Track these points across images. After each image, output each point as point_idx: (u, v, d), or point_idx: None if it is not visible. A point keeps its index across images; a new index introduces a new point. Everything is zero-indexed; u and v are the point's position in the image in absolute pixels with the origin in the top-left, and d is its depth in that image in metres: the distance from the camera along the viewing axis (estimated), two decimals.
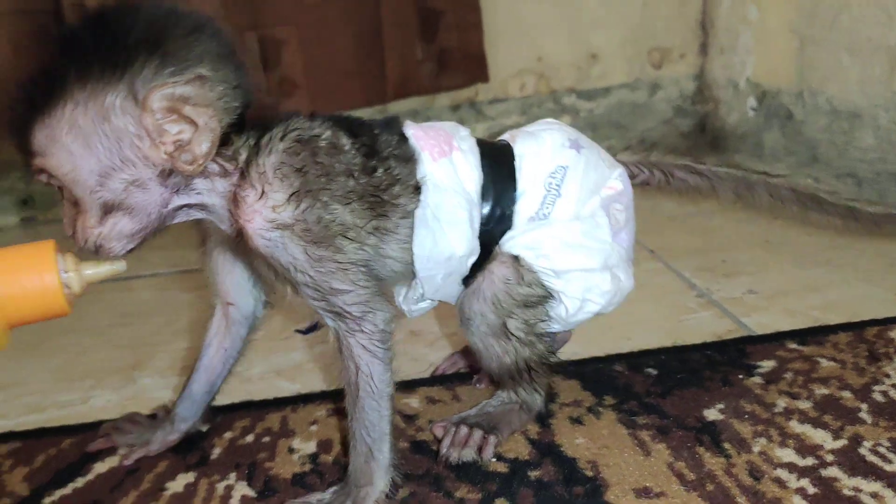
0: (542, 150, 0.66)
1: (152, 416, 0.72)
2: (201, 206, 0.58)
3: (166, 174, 0.55)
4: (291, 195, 0.56)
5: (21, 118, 0.53)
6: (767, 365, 0.75)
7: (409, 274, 0.63)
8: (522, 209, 0.64)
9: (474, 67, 1.63)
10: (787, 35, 1.39)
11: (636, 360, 0.79)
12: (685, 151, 1.72)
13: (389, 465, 0.59)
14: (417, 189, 0.61)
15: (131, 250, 0.57)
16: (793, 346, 0.78)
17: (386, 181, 0.60)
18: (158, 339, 0.95)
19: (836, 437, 0.62)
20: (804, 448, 0.61)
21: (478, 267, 0.65)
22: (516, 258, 0.63)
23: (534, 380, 0.67)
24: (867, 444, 0.61)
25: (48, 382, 0.86)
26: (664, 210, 1.31)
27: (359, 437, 0.59)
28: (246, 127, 0.58)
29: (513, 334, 0.64)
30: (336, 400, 0.75)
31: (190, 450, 0.69)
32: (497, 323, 0.64)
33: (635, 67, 1.72)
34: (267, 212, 0.56)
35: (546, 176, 0.64)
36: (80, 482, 0.65)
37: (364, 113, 1.67)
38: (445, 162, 0.63)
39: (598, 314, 0.67)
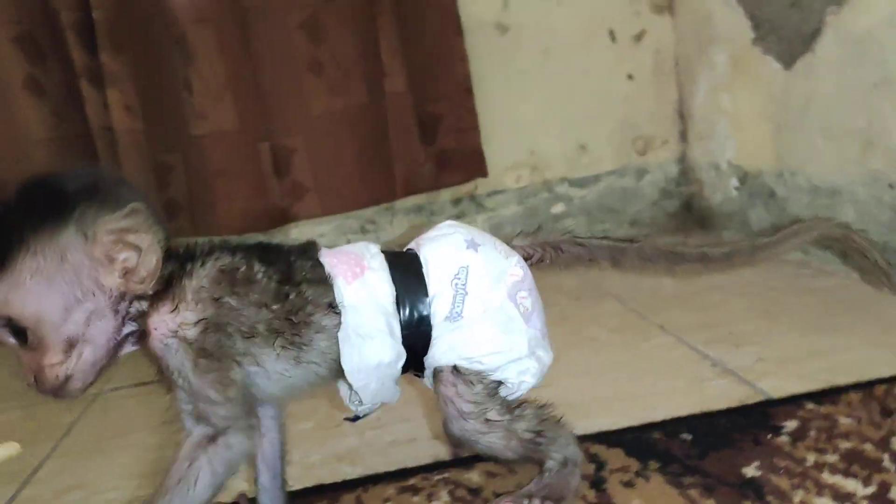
0: (443, 253, 0.71)
1: None
2: (141, 333, 0.65)
3: (117, 302, 0.63)
4: (200, 320, 0.64)
5: None
6: (791, 425, 0.82)
7: (337, 375, 0.70)
8: (437, 311, 0.70)
9: (473, 165, 1.74)
10: (762, 121, 1.52)
11: (670, 427, 0.86)
12: (673, 231, 1.85)
13: None
14: (331, 306, 0.68)
15: (90, 384, 0.65)
16: (810, 406, 0.86)
17: (298, 304, 0.67)
18: None
19: (866, 484, 0.69)
20: (839, 496, 0.68)
21: (417, 365, 0.72)
22: (455, 368, 0.69)
23: (552, 437, 0.71)
24: (894, 489, 0.68)
25: (121, 479, 0.92)
26: (667, 290, 1.40)
27: None
28: (171, 256, 0.66)
29: (497, 422, 0.69)
30: (402, 479, 0.81)
31: None
32: (482, 427, 0.69)
33: (622, 155, 1.84)
34: (173, 324, 0.63)
35: (452, 277, 0.70)
36: None
37: (371, 211, 1.77)
38: (358, 283, 0.69)
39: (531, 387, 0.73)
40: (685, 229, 1.84)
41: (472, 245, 0.72)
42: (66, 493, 0.91)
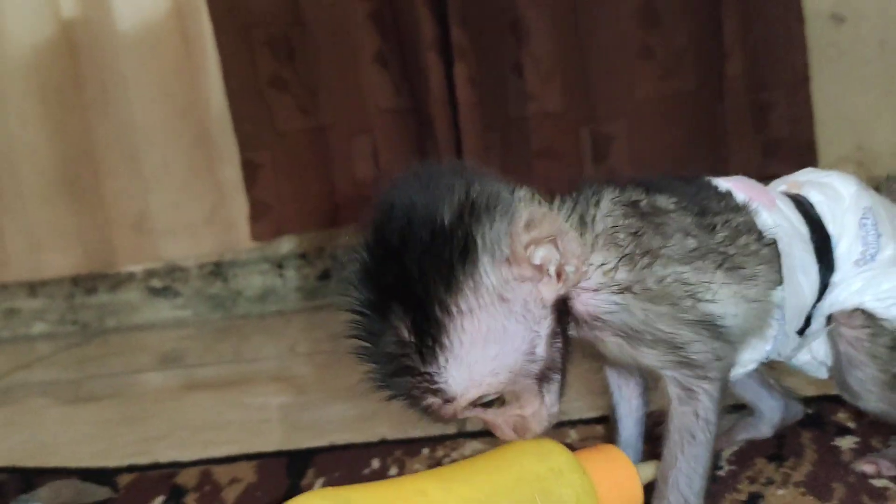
0: (840, 195, 0.65)
1: None
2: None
3: (557, 308, 0.53)
4: (623, 257, 0.54)
5: (425, 381, 0.51)
6: None
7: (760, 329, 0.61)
8: (844, 254, 0.63)
9: (803, 156, 1.69)
10: None
11: None
12: None
13: None
14: (761, 238, 0.60)
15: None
16: None
17: (731, 234, 0.59)
18: None
19: None
20: None
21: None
22: (861, 311, 0.63)
23: None
24: None
25: None
26: None
27: (674, 489, 0.55)
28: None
29: None
30: None
31: None
32: (886, 379, 0.62)
33: None
34: (597, 276, 0.54)
35: (858, 218, 0.64)
36: None
37: None
38: (777, 212, 0.62)
39: None
40: None
41: (864, 188, 0.66)
42: None
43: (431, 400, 0.51)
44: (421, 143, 1.74)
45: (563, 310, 0.54)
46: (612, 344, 0.56)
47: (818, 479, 0.64)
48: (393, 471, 0.77)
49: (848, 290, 0.64)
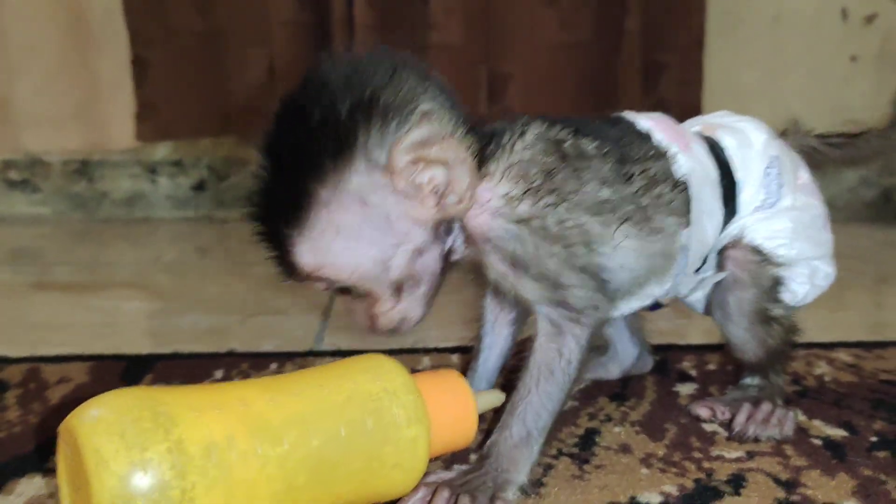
0: (750, 141, 0.67)
1: None
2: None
3: (438, 229, 0.54)
4: (528, 191, 0.54)
5: (280, 252, 0.53)
6: None
7: (661, 275, 0.62)
8: (747, 200, 0.65)
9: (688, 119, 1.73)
10: None
11: None
12: (868, 218, 1.82)
13: (537, 460, 0.55)
14: (676, 185, 0.61)
15: (426, 314, 0.57)
16: None
17: (645, 185, 0.59)
18: None
19: None
20: None
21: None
22: (751, 245, 0.64)
23: (784, 362, 0.69)
24: None
25: None
26: None
27: (520, 419, 0.55)
28: (478, 136, 0.55)
29: (774, 317, 0.65)
30: None
31: None
32: (760, 309, 0.64)
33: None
34: (498, 202, 0.54)
35: (764, 167, 0.65)
36: None
37: None
38: (690, 156, 0.63)
39: (805, 304, 0.68)
40: (880, 219, 1.82)
41: (773, 136, 0.69)
42: None
43: (291, 271, 0.54)
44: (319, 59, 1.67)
45: (449, 228, 0.55)
46: (496, 269, 0.56)
47: (654, 420, 0.66)
48: None
49: (747, 230, 0.65)
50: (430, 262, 0.55)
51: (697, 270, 0.66)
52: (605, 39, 1.68)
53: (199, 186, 1.79)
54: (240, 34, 1.64)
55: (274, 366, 0.77)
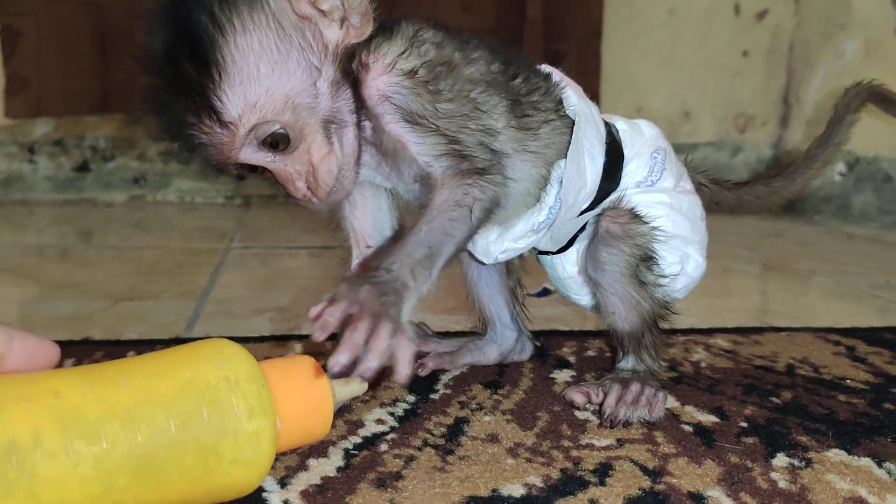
0: (641, 130, 0.69)
1: None
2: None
3: (345, 62, 0.54)
4: (424, 63, 0.55)
5: (199, 97, 0.51)
6: None
7: (532, 198, 0.63)
8: (630, 172, 0.67)
9: None
10: None
11: None
12: (759, 211, 1.87)
13: (435, 281, 0.51)
14: (559, 105, 0.62)
15: (354, 183, 0.56)
16: None
17: (525, 88, 0.61)
18: None
19: None
20: None
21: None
22: (630, 209, 0.65)
23: (656, 344, 0.67)
24: None
25: None
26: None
27: (423, 240, 0.51)
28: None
29: (645, 281, 0.65)
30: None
31: None
32: (631, 265, 0.64)
33: (722, 129, 1.87)
34: (391, 59, 0.55)
35: (651, 151, 0.68)
36: None
37: None
38: (584, 100, 0.66)
39: (675, 296, 0.69)
40: (765, 209, 1.87)
41: (662, 137, 0.71)
42: None
43: (211, 130, 0.51)
44: None
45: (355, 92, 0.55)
46: (394, 133, 0.55)
47: (526, 408, 0.64)
48: None
49: (627, 198, 0.65)
50: (347, 103, 0.55)
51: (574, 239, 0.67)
52: (506, 26, 1.68)
53: (82, 167, 1.70)
54: (124, 4, 1.55)
55: (131, 353, 0.72)
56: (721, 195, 0.77)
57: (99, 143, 1.70)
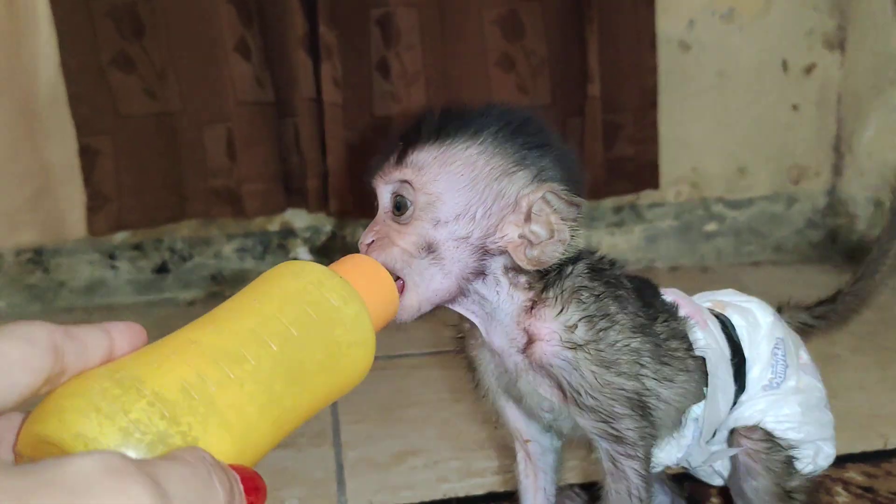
0: (758, 322, 0.71)
1: None
2: (482, 300, 0.59)
3: (491, 253, 0.57)
4: (584, 317, 0.58)
5: (418, 138, 0.58)
6: None
7: (670, 430, 0.66)
8: (755, 377, 0.69)
9: (647, 176, 1.78)
10: None
11: None
12: (816, 259, 1.90)
13: None
14: (690, 349, 0.65)
15: (419, 312, 0.58)
16: None
17: (665, 333, 0.63)
18: None
19: None
20: None
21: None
22: (762, 430, 0.69)
23: None
24: None
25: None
26: None
27: None
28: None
29: (792, 491, 0.69)
30: None
31: None
32: (778, 492, 0.68)
33: (776, 182, 1.90)
34: (561, 330, 0.58)
35: (771, 348, 0.70)
36: None
37: None
38: (708, 331, 0.68)
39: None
40: (827, 260, 1.91)
41: (778, 318, 0.73)
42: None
43: (389, 158, 0.59)
44: (279, 137, 1.65)
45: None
46: (544, 393, 0.60)
47: None
48: None
49: (752, 409, 0.69)
50: (460, 261, 0.57)
51: (707, 442, 0.70)
52: (561, 102, 1.72)
53: (162, 269, 1.75)
54: (193, 113, 1.60)
55: None
56: (821, 324, 0.80)
57: (176, 244, 1.75)
